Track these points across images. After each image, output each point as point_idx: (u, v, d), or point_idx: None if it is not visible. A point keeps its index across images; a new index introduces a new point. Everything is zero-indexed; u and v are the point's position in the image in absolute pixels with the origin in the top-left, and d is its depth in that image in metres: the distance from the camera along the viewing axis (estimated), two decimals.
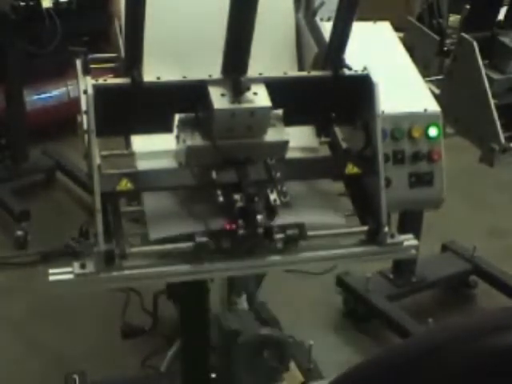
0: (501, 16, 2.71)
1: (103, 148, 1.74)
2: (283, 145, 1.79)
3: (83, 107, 1.69)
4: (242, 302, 2.27)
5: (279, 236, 1.73)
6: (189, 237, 1.69)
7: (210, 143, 1.72)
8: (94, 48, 1.87)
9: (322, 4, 1.99)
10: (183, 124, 1.75)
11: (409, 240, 1.87)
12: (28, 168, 4.03)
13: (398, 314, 2.95)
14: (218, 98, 1.69)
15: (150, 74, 1.71)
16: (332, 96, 1.86)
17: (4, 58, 3.81)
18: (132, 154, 1.79)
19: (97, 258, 1.64)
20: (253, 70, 1.74)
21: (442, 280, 3.30)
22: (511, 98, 2.65)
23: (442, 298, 3.33)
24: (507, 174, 3.88)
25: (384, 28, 2.33)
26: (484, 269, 3.29)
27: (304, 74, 1.89)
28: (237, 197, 1.68)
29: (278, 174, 1.73)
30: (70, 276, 1.65)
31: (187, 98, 1.72)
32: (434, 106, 2.09)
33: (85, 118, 1.69)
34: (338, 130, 1.93)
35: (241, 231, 1.68)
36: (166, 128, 1.77)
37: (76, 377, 2.55)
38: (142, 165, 1.77)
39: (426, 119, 2.05)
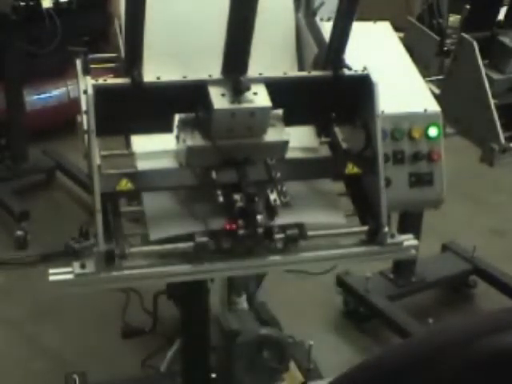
0: (501, 16, 2.72)
1: (103, 148, 1.74)
2: (283, 145, 1.79)
3: (83, 107, 1.69)
4: (242, 302, 2.27)
5: (279, 236, 1.73)
6: (189, 237, 1.69)
7: (210, 143, 1.72)
8: (93, 48, 1.87)
9: (322, 4, 1.99)
10: (183, 124, 1.75)
11: (409, 240, 1.87)
12: (28, 168, 4.03)
13: (398, 314, 2.95)
14: (218, 98, 1.69)
15: (150, 74, 1.71)
16: (332, 96, 1.86)
17: (4, 58, 3.81)
18: (132, 154, 1.79)
19: (97, 258, 1.64)
20: (253, 70, 1.74)
21: (441, 280, 3.30)
22: (511, 98, 2.65)
23: (442, 298, 3.33)
24: (507, 174, 3.88)
25: (384, 28, 2.33)
26: (484, 269, 3.29)
27: (304, 74, 1.89)
28: (237, 197, 1.69)
29: (278, 174, 1.73)
30: (70, 276, 1.65)
31: (187, 98, 1.72)
32: (434, 106, 2.09)
33: (85, 117, 1.69)
34: (338, 130, 1.93)
35: (241, 231, 1.68)
36: (166, 128, 1.77)
37: (76, 377, 2.55)
38: (142, 165, 1.77)
39: (425, 119, 2.05)
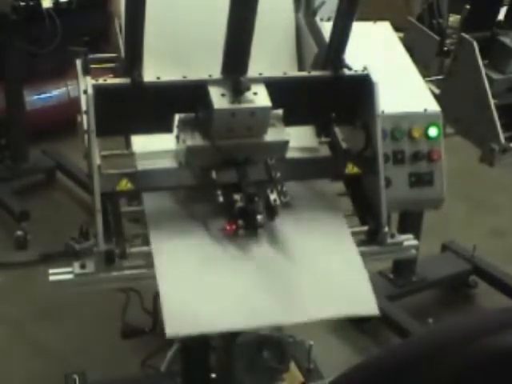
0: (501, 16, 2.72)
1: (103, 148, 1.74)
2: (283, 145, 1.79)
3: (83, 107, 1.69)
4: None
5: None
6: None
7: (209, 143, 1.72)
8: (93, 48, 1.87)
9: (322, 4, 1.99)
10: (183, 124, 1.75)
11: (409, 240, 1.87)
12: (28, 168, 4.03)
13: (398, 314, 2.95)
14: (218, 98, 1.69)
15: (149, 74, 1.71)
16: (332, 96, 1.86)
17: (4, 58, 3.81)
18: (132, 154, 1.79)
19: (97, 258, 1.64)
20: (253, 70, 1.74)
21: (442, 280, 3.30)
22: (511, 98, 2.65)
23: (442, 298, 3.33)
24: (507, 174, 3.88)
25: (384, 28, 2.33)
26: (484, 269, 3.29)
27: (304, 74, 1.88)
28: (237, 197, 1.68)
29: (278, 174, 1.73)
30: (70, 276, 1.65)
31: (187, 98, 1.72)
32: (434, 106, 2.09)
33: (85, 117, 1.68)
34: (338, 130, 1.93)
35: (241, 231, 1.68)
36: (166, 128, 1.77)
37: (76, 377, 2.55)
38: (142, 165, 1.77)
39: (426, 119, 2.05)
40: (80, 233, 1.70)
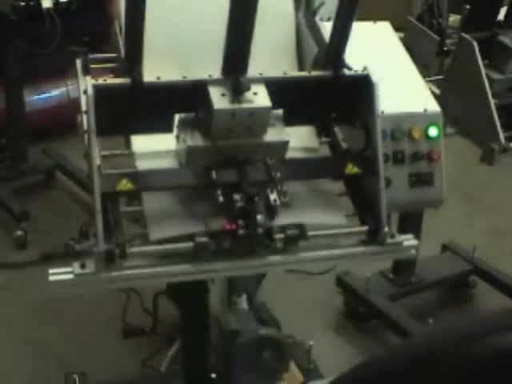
0: (501, 16, 2.72)
1: (103, 148, 1.74)
2: (283, 145, 1.79)
3: (83, 107, 1.69)
4: (242, 302, 2.27)
5: (279, 236, 1.73)
6: (189, 237, 1.69)
7: (209, 143, 1.72)
8: (93, 48, 1.87)
9: (322, 4, 1.99)
10: (183, 124, 1.75)
11: (409, 240, 1.87)
12: (28, 168, 4.03)
13: (398, 313, 2.95)
14: (218, 98, 1.69)
15: (150, 74, 1.71)
16: (332, 96, 1.86)
17: (4, 58, 3.81)
18: (132, 154, 1.79)
19: (97, 258, 1.64)
20: (253, 70, 1.74)
21: (441, 280, 3.30)
22: (511, 98, 2.65)
23: (442, 298, 3.33)
24: (507, 174, 3.88)
25: (384, 28, 2.33)
26: (484, 269, 3.29)
27: (304, 74, 1.88)
28: (237, 197, 1.68)
29: (278, 174, 1.73)
30: (70, 276, 1.65)
31: (187, 98, 1.72)
32: (434, 106, 2.09)
33: (85, 117, 1.68)
34: (338, 130, 1.93)
35: (241, 231, 1.68)
36: (166, 128, 1.77)
37: (76, 377, 2.55)
38: (142, 165, 1.77)
39: (426, 119, 2.06)
40: (80, 233, 1.70)
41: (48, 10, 3.80)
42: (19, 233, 3.56)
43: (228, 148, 1.73)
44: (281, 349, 1.96)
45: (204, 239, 1.68)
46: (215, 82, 1.71)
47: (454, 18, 3.13)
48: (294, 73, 1.94)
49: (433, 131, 2.05)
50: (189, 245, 1.68)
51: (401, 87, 2.08)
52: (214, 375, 2.22)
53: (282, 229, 1.73)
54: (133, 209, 1.78)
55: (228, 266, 1.76)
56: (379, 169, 1.80)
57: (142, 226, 1.73)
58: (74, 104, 1.91)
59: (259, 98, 1.72)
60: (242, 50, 1.69)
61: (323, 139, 1.96)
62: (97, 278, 1.66)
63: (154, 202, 1.75)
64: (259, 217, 1.69)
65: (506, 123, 2.52)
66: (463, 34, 2.56)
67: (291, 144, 1.80)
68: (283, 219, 1.74)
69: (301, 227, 1.75)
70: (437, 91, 2.61)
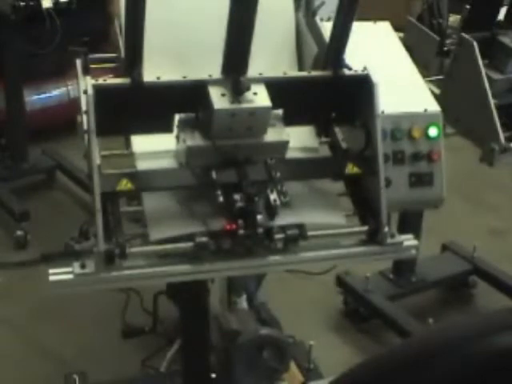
0: (501, 16, 2.72)
1: (103, 148, 1.74)
2: (283, 145, 1.79)
3: (83, 107, 1.69)
4: (242, 302, 2.27)
5: (279, 236, 1.73)
6: (189, 237, 1.69)
7: (209, 143, 1.72)
8: (93, 48, 1.87)
9: (322, 4, 1.99)
10: (183, 124, 1.75)
11: (409, 240, 1.87)
12: (28, 168, 4.03)
13: (398, 313, 2.95)
14: (218, 98, 1.69)
15: (150, 74, 1.71)
16: (332, 96, 1.86)
17: (4, 58, 3.81)
18: (132, 154, 1.79)
19: (97, 258, 1.64)
20: (253, 70, 1.74)
21: (442, 280, 3.30)
22: (511, 98, 2.65)
23: (442, 298, 3.33)
24: (507, 174, 3.88)
25: (384, 28, 2.34)
26: (484, 269, 3.29)
27: (304, 74, 1.88)
28: (237, 197, 1.68)
29: (278, 174, 1.73)
30: (70, 276, 1.65)
31: (187, 98, 1.72)
32: (434, 106, 2.09)
33: (85, 117, 1.68)
34: (338, 130, 1.93)
35: (241, 231, 1.68)
36: (166, 128, 1.77)
37: (76, 377, 2.55)
38: (142, 165, 1.77)
39: (426, 119, 2.06)
40: (80, 233, 1.70)
41: (48, 9, 3.80)
42: (19, 233, 3.56)
43: (228, 148, 1.73)
44: (281, 349, 1.96)
45: (204, 239, 1.68)
46: (215, 82, 1.71)
47: (453, 18, 3.13)
48: (294, 73, 1.94)
49: (433, 131, 2.05)
50: (189, 245, 1.68)
51: (401, 87, 2.08)
52: (214, 375, 2.22)
53: (282, 229, 1.73)
54: (133, 209, 1.78)
55: (228, 266, 1.76)
56: (379, 169, 1.80)
57: (142, 226, 1.73)
58: (74, 104, 1.91)
59: (259, 97, 1.72)
60: (242, 49, 1.69)
61: (323, 139, 1.95)
62: (97, 277, 1.66)
63: (154, 202, 1.75)
64: (259, 217, 1.68)
65: (505, 123, 2.52)
66: (463, 34, 2.56)
67: (291, 144, 1.80)
68: (283, 219, 1.74)
69: (301, 227, 1.75)
70: (437, 91, 2.61)
